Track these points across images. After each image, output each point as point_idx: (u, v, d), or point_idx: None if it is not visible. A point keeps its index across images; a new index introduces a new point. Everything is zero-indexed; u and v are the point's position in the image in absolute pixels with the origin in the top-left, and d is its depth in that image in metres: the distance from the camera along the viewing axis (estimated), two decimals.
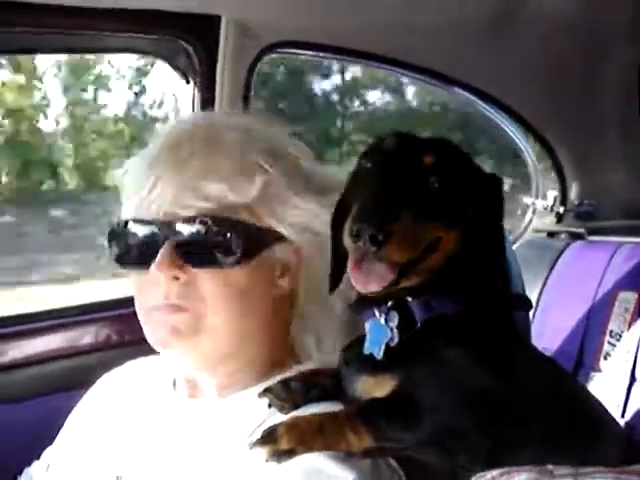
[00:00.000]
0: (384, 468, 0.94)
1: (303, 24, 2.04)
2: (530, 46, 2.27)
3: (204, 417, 1.09)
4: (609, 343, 2.11)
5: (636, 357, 2.02)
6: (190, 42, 1.86)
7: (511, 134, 2.83)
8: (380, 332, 0.94)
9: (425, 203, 0.89)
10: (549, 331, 2.30)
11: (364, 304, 0.98)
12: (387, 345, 0.93)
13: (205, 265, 1.03)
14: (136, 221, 1.07)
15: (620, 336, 2.09)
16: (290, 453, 0.86)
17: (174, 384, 1.18)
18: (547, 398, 0.92)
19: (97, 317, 1.90)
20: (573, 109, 2.56)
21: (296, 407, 0.99)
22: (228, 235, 1.02)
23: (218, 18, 1.84)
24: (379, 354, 0.93)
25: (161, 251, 1.01)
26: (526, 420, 0.89)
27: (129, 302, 1.12)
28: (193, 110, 1.92)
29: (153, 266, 1.01)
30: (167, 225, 1.03)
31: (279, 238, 1.08)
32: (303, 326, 1.16)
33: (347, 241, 0.85)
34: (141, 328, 1.08)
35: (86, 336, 1.85)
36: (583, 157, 2.73)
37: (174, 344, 1.04)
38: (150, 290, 1.04)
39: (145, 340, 1.08)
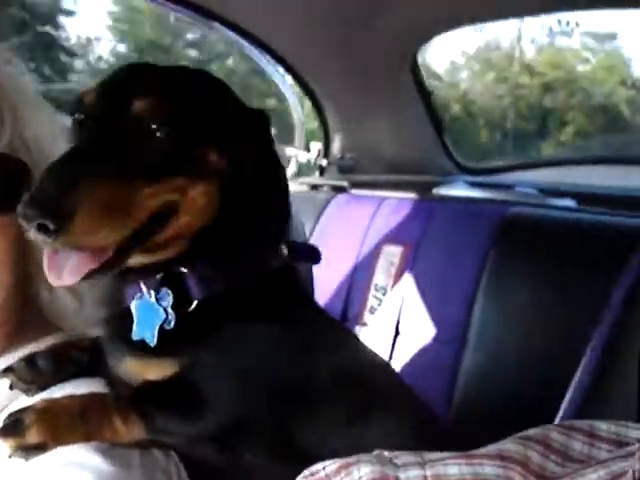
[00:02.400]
0: (158, 455, 0.78)
1: None
2: None
3: None
4: (375, 297, 2.10)
5: (400, 311, 2.03)
6: None
7: (277, 82, 2.72)
8: (151, 313, 0.77)
9: (135, 161, 0.69)
10: (315, 286, 2.25)
11: (127, 276, 0.79)
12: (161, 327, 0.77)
13: None
14: None
15: (385, 290, 2.08)
16: (40, 448, 0.68)
17: None
18: (342, 377, 0.83)
19: None
20: (341, 62, 2.50)
21: (44, 388, 0.81)
22: None
23: None
24: (152, 340, 0.77)
25: None
26: (320, 403, 0.80)
27: None
28: None
29: None
30: None
31: None
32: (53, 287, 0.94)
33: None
34: None
35: None
36: (347, 110, 2.70)
37: None
38: None
39: None
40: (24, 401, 0.78)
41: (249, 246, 0.79)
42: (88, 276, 0.68)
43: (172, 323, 0.77)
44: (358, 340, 0.93)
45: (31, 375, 0.81)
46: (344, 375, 0.83)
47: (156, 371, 0.75)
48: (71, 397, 0.74)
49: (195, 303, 0.77)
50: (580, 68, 11.09)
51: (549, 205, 2.13)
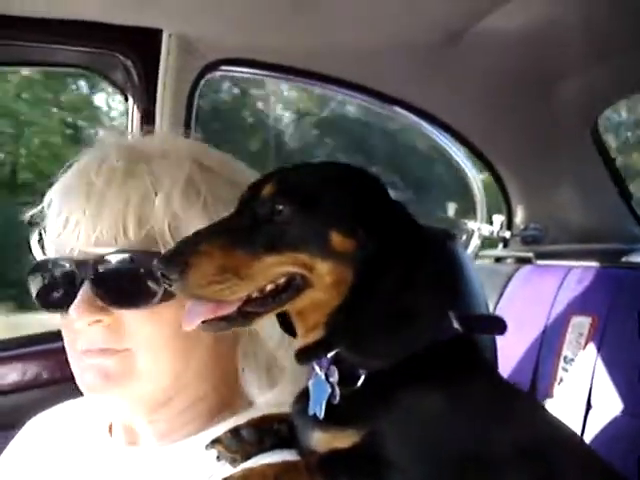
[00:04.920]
0: None
1: (248, 42, 1.97)
2: (477, 67, 2.24)
3: (143, 468, 0.98)
4: (563, 369, 2.07)
5: (592, 383, 1.98)
6: (129, 56, 1.76)
7: (455, 157, 2.80)
8: (320, 389, 0.85)
9: (259, 234, 0.81)
10: (501, 358, 2.24)
11: (305, 356, 0.88)
12: (346, 396, 0.83)
13: (128, 305, 0.93)
14: (52, 260, 0.97)
15: (574, 362, 2.05)
16: None
17: (110, 429, 1.08)
18: (526, 445, 0.83)
19: (24, 353, 1.74)
20: (519, 132, 2.54)
21: (248, 457, 0.89)
22: (150, 270, 0.90)
23: (159, 32, 1.75)
24: (321, 414, 0.84)
25: (79, 293, 0.92)
26: (503, 471, 0.80)
27: (60, 336, 1.00)
28: (132, 129, 1.80)
29: (71, 310, 0.91)
30: (83, 264, 0.93)
31: None
32: (250, 363, 1.04)
33: None
34: None
35: (11, 374, 1.70)
36: (528, 180, 2.71)
37: (104, 389, 0.94)
38: (77, 332, 0.94)
39: None
40: (228, 469, 0.86)
41: (403, 321, 0.82)
42: (208, 327, 0.79)
43: (337, 398, 0.83)
44: (543, 408, 0.93)
45: (236, 446, 0.88)
46: (529, 443, 0.83)
47: (339, 441, 0.80)
48: (266, 465, 0.80)
49: (362, 378, 0.83)
50: None
51: None
